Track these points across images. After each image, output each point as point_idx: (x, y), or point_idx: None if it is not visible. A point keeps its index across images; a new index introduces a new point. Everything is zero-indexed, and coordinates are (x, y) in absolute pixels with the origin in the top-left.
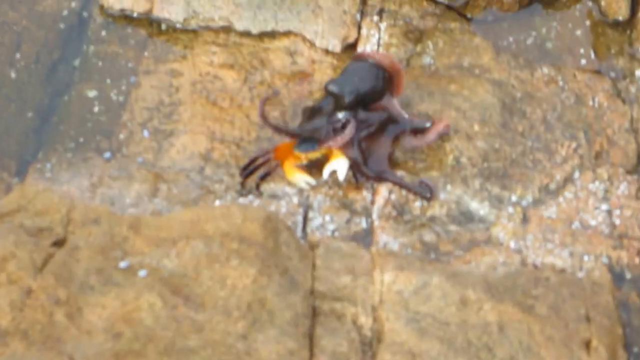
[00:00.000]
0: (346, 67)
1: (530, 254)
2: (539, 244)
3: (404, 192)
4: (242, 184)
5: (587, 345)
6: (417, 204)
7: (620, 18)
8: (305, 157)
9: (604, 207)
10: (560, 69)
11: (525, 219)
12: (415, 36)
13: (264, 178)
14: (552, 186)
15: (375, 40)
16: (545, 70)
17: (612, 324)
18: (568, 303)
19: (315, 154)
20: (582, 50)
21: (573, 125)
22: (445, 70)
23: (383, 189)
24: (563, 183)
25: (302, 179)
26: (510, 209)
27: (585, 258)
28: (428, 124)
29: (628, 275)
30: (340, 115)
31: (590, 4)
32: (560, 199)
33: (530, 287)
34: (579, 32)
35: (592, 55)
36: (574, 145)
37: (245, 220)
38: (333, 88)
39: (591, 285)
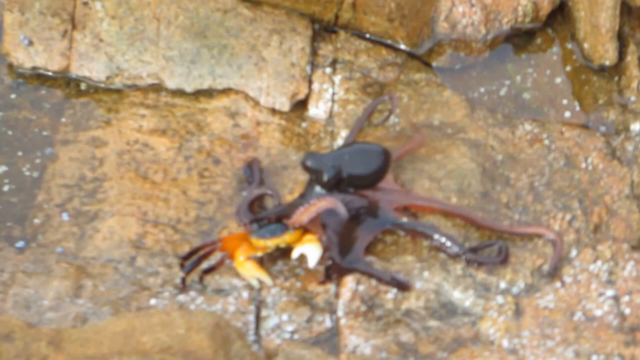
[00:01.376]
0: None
1: (528, 355)
2: (537, 341)
3: (373, 281)
4: (183, 281)
5: None
6: (390, 295)
7: (607, 63)
8: (263, 245)
9: (610, 292)
10: (544, 124)
11: (518, 311)
12: (375, 90)
13: (208, 272)
14: (547, 268)
15: (329, 96)
16: (528, 126)
17: None
18: None
19: (276, 241)
20: (564, 101)
21: (565, 192)
22: (413, 130)
23: (349, 279)
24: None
25: (257, 275)
26: (500, 299)
27: (594, 358)
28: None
29: None
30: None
31: (570, 45)
32: (558, 283)
33: None
34: (559, 80)
35: (577, 107)
36: (568, 217)
37: (190, 329)
38: (309, 162)
39: None
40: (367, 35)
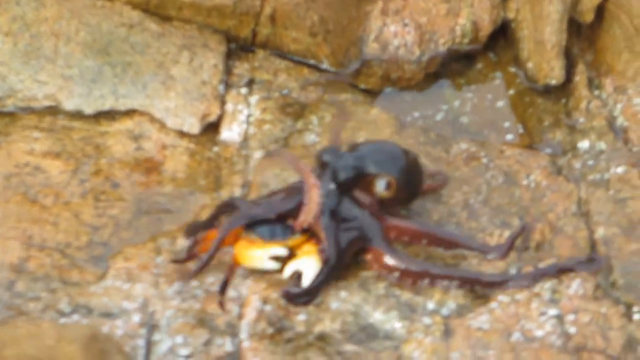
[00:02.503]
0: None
1: None
2: None
3: (283, 301)
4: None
5: None
6: (301, 316)
7: (553, 82)
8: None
9: (553, 311)
10: (482, 144)
11: (447, 332)
12: (296, 110)
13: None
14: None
15: (244, 118)
16: (464, 145)
17: None
18: None
19: (280, 244)
20: (506, 124)
21: (504, 209)
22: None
23: (254, 298)
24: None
25: (269, 253)
26: (427, 320)
27: None
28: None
29: None
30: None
31: (513, 69)
32: (494, 304)
33: None
34: (501, 104)
35: (521, 130)
36: (506, 234)
37: (61, 340)
38: (326, 157)
39: None
40: (289, 55)
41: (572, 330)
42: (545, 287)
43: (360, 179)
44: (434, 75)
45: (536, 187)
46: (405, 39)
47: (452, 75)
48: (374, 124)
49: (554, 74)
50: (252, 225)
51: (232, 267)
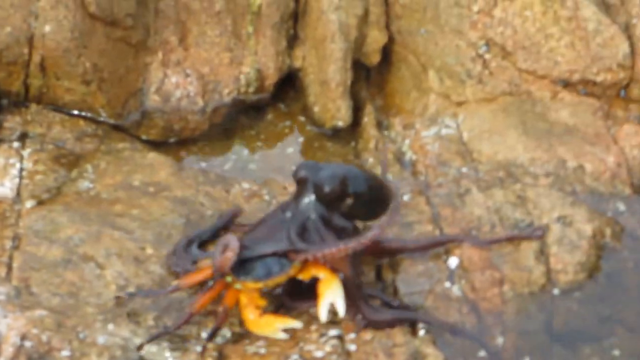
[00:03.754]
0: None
1: None
2: None
3: (44, 337)
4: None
5: None
6: (65, 352)
7: (340, 123)
8: (263, 286)
9: (333, 332)
10: (265, 182)
11: (220, 358)
12: (70, 161)
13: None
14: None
15: (17, 172)
16: (246, 185)
17: None
18: None
19: (279, 279)
20: (294, 168)
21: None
22: (109, 192)
23: (12, 334)
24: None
25: (280, 326)
26: (199, 348)
27: None
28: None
29: None
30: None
31: (302, 118)
32: None
33: None
34: (290, 150)
35: None
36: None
37: None
38: (303, 172)
39: None
40: (65, 109)
41: (352, 348)
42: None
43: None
44: (224, 128)
45: None
46: (187, 90)
47: (242, 128)
48: (150, 167)
49: (340, 114)
50: (239, 268)
51: (224, 314)
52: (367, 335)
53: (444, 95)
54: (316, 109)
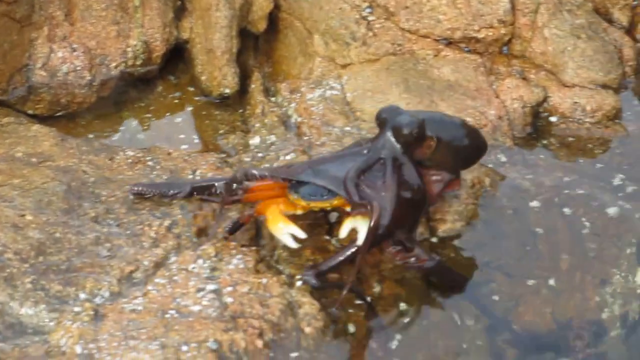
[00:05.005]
0: None
1: (105, 356)
2: (117, 342)
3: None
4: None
5: None
6: None
7: (227, 91)
8: (305, 206)
9: (211, 286)
10: (150, 150)
11: (97, 317)
12: None
13: (235, 230)
14: (138, 275)
15: None
16: (130, 152)
17: None
18: None
19: (322, 204)
20: (182, 136)
21: (167, 202)
22: None
23: None
24: (153, 269)
25: (290, 230)
26: (77, 309)
27: (184, 348)
28: None
29: None
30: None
31: (192, 88)
32: (150, 287)
33: None
34: (179, 120)
35: (196, 139)
36: (167, 223)
37: None
38: (385, 114)
39: None
40: None
41: (229, 300)
42: (204, 265)
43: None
44: (113, 102)
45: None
46: (74, 64)
47: (132, 100)
48: (33, 139)
49: (227, 82)
50: (295, 185)
51: (251, 216)
52: (244, 288)
53: (329, 59)
54: (203, 77)
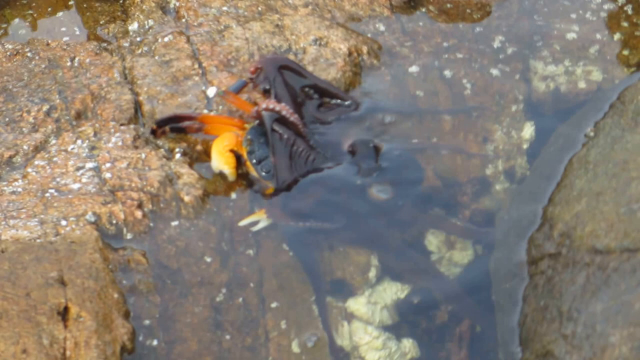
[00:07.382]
0: None
1: None
2: None
3: None
4: (154, 131)
5: (64, 313)
6: None
7: None
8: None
9: (90, 165)
10: (29, 42)
11: None
12: None
13: (177, 131)
14: (18, 159)
15: None
16: (9, 45)
17: (100, 287)
18: (30, 269)
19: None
20: (63, 29)
21: (45, 89)
22: None
23: None
24: (33, 153)
25: (226, 168)
26: None
27: (63, 222)
28: None
29: (129, 235)
30: None
31: None
32: (30, 169)
33: None
34: (60, 14)
35: (78, 31)
36: (45, 108)
37: None
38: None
39: (68, 246)
40: None
41: (108, 176)
42: (83, 145)
43: None
44: None
45: (80, 66)
46: None
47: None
48: None
49: None
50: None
51: (198, 128)
52: (123, 163)
53: None
54: None
